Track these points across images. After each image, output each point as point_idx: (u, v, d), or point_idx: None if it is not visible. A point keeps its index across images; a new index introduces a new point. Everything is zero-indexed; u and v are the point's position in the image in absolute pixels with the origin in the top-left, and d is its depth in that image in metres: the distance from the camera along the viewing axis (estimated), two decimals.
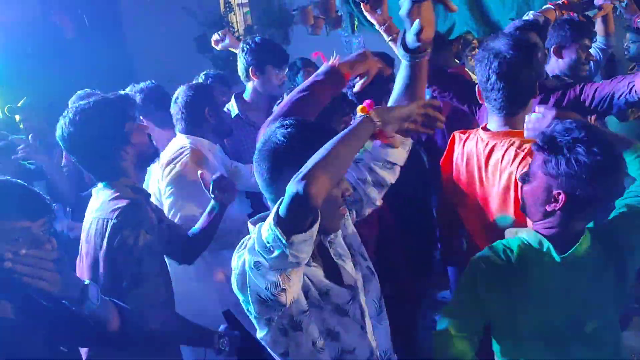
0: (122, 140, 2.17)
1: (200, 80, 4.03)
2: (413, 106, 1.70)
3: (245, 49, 3.33)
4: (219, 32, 3.95)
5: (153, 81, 3.51)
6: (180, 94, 2.97)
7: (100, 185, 2.25)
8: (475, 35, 4.73)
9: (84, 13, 8.23)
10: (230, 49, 3.91)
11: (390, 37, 2.68)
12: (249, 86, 3.39)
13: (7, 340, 1.52)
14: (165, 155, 2.90)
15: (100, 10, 8.37)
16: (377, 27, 2.69)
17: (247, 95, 3.42)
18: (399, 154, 1.87)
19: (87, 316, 1.67)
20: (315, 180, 1.35)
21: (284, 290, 1.47)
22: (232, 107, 3.43)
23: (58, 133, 2.14)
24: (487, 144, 2.31)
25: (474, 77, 4.74)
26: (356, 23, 5.79)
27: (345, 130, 1.53)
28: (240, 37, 7.73)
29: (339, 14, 5.50)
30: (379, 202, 1.90)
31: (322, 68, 2.16)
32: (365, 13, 2.64)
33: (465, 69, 4.30)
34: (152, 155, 2.35)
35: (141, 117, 3.17)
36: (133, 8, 8.29)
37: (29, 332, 1.60)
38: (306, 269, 1.65)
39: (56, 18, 8.00)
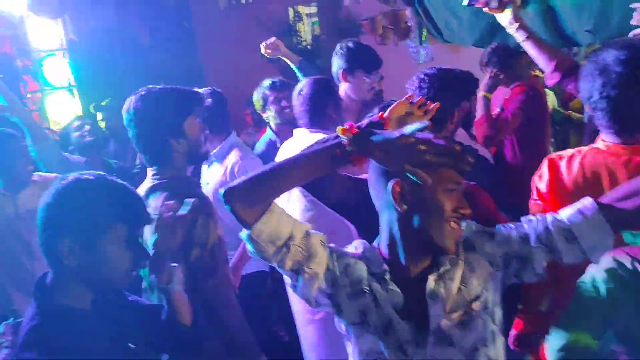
0: (178, 131, 2.24)
1: (266, 85, 4.08)
2: (399, 139, 1.41)
3: (338, 52, 3.37)
4: (268, 42, 3.99)
5: (213, 88, 3.61)
6: (304, 86, 2.99)
7: (149, 169, 2.32)
8: None
9: (159, 23, 8.57)
10: (281, 57, 3.96)
11: (524, 38, 2.63)
12: (341, 88, 3.43)
13: (79, 330, 1.59)
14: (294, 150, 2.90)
15: (174, 20, 8.70)
16: (507, 29, 2.66)
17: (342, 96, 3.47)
18: (591, 236, 1.53)
19: (164, 308, 1.74)
20: (239, 194, 1.39)
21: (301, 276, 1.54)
22: None
23: (125, 106, 2.22)
24: (624, 157, 2.12)
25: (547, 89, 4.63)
26: (425, 34, 5.73)
27: (309, 147, 1.49)
28: (308, 46, 7.81)
29: (408, 24, 5.46)
30: (540, 270, 1.61)
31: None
32: (497, 16, 2.61)
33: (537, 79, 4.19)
34: (202, 156, 2.41)
35: None
36: (204, 18, 8.56)
37: (101, 324, 1.66)
38: (380, 290, 1.58)
39: (134, 27, 8.37)
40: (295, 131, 3.08)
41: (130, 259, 1.65)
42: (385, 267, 1.61)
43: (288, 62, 4.02)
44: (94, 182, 1.61)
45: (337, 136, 1.47)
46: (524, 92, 4.22)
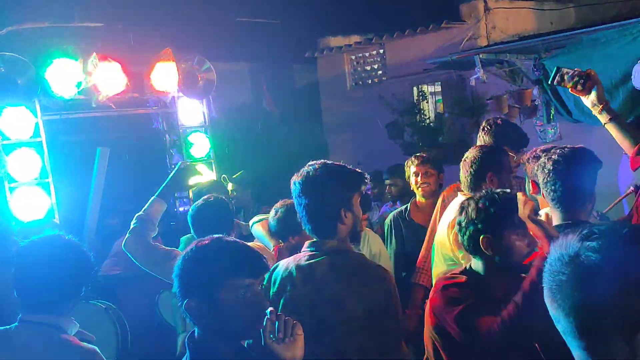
0: (347, 204, 2.33)
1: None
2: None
3: (485, 129, 3.42)
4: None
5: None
6: (470, 153, 3.08)
7: (307, 242, 2.40)
8: None
9: (290, 101, 9.16)
10: None
11: (607, 120, 2.59)
12: None
13: None
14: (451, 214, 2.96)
15: (303, 99, 9.26)
16: (593, 111, 2.61)
17: None
18: None
19: None
20: None
21: None
22: None
23: (302, 176, 2.36)
24: None
25: None
26: (552, 112, 5.60)
27: None
28: (431, 123, 7.90)
29: (535, 103, 5.38)
30: None
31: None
32: (582, 99, 2.60)
33: None
34: (360, 234, 2.48)
35: None
36: (331, 96, 9.02)
37: None
38: None
39: (266, 105, 9.00)
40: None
41: (253, 310, 1.73)
42: None
43: None
44: (207, 245, 1.75)
45: None
46: None
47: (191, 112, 5.46)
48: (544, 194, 2.43)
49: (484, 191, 2.26)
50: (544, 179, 2.42)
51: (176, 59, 4.91)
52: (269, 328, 1.71)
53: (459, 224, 2.22)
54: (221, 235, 1.81)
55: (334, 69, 8.99)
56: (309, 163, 2.41)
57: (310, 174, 2.34)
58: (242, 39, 8.00)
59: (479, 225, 2.13)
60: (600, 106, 2.58)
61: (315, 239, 2.37)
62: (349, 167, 2.40)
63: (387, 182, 5.04)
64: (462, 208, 2.24)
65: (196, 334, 1.78)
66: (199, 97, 5.30)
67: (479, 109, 7.20)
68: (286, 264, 2.37)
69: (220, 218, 3.24)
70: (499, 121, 3.43)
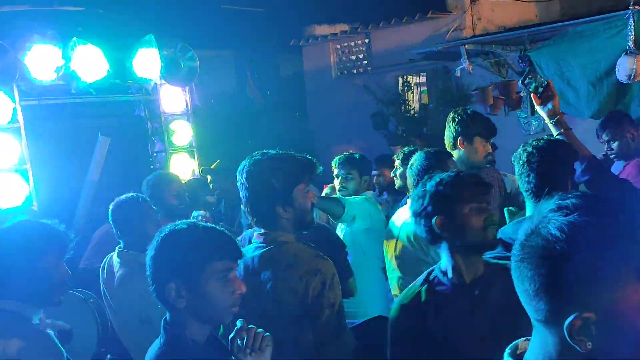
0: (286, 199, 2.26)
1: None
2: None
3: (456, 119, 3.44)
4: None
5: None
6: (415, 160, 3.08)
7: (256, 234, 2.38)
8: None
9: (274, 90, 9.09)
10: None
11: (558, 133, 2.66)
12: (454, 155, 3.47)
13: None
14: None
15: (288, 87, 9.20)
16: (546, 120, 2.68)
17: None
18: None
19: None
20: None
21: None
22: None
23: (240, 167, 2.32)
24: None
25: None
26: None
27: None
28: (415, 114, 7.89)
29: (520, 95, 5.38)
30: None
31: None
32: (537, 107, 2.65)
33: None
34: (309, 224, 2.40)
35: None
36: (316, 86, 8.96)
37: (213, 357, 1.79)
38: None
39: (251, 93, 8.92)
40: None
41: (230, 294, 1.75)
42: None
43: None
44: (185, 230, 1.74)
45: None
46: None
47: (173, 99, 5.38)
48: (519, 185, 2.45)
49: (426, 177, 2.19)
50: (518, 170, 2.43)
51: (159, 45, 4.82)
52: (238, 340, 1.75)
53: (414, 214, 2.14)
54: (195, 220, 1.82)
55: (319, 57, 8.93)
56: (253, 154, 2.33)
57: (247, 167, 2.28)
58: (226, 27, 7.90)
59: (429, 208, 2.04)
60: (555, 118, 2.65)
61: (262, 230, 2.34)
62: (295, 156, 2.31)
63: (374, 172, 5.03)
64: (413, 198, 2.17)
65: (169, 318, 1.77)
66: (181, 84, 5.23)
67: (463, 100, 7.21)
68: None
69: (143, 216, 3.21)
70: (468, 111, 3.46)
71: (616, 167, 4.42)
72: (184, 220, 1.81)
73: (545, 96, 2.61)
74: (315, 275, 2.18)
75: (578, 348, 0.92)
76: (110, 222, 3.24)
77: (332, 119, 8.46)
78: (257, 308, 2.20)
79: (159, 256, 1.73)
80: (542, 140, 2.46)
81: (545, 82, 2.63)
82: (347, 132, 8.10)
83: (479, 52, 6.46)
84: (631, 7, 4.17)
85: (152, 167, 5.45)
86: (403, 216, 3.05)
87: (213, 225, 1.83)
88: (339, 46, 8.88)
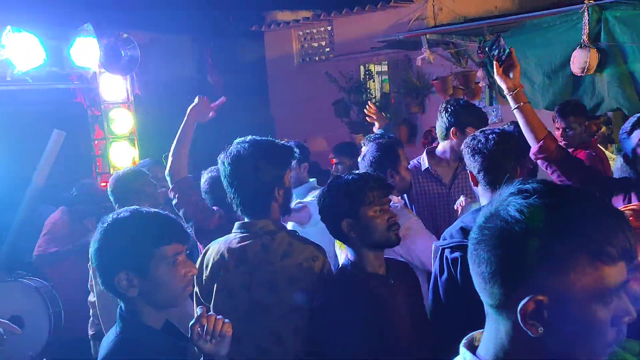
0: (280, 182, 2.28)
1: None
2: None
3: (448, 109, 3.46)
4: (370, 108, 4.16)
5: (299, 141, 3.70)
6: (368, 152, 3.11)
7: (238, 223, 2.36)
8: (626, 113, 4.46)
9: (236, 76, 8.97)
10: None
11: (516, 106, 2.57)
12: (445, 144, 3.50)
13: (153, 347, 1.71)
14: None
15: (249, 74, 9.09)
16: (505, 92, 2.60)
17: (439, 152, 3.54)
18: None
19: None
20: None
21: None
22: (422, 160, 3.56)
23: (231, 155, 2.27)
24: None
25: (608, 153, 4.47)
26: (494, 95, 5.72)
27: None
28: (377, 102, 7.93)
29: (479, 85, 5.47)
30: None
31: None
32: (496, 77, 2.59)
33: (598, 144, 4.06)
34: (289, 206, 2.43)
35: None
36: (278, 72, 8.90)
37: (169, 344, 1.78)
38: None
39: (210, 78, 8.79)
40: None
41: (182, 277, 1.73)
42: None
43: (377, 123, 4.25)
44: (129, 217, 1.71)
45: None
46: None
47: (114, 88, 5.33)
48: (471, 176, 2.47)
49: (332, 179, 2.27)
50: (468, 160, 2.46)
51: (98, 34, 4.76)
52: (198, 328, 1.72)
53: (322, 217, 2.22)
54: (138, 207, 1.78)
55: (281, 44, 8.87)
56: (236, 141, 2.32)
57: (241, 153, 2.25)
58: (186, 10, 7.74)
59: (336, 211, 2.15)
60: (515, 90, 2.55)
61: (245, 220, 2.32)
62: (278, 142, 2.34)
63: (334, 160, 5.06)
64: (319, 197, 2.23)
65: (124, 307, 1.75)
66: (122, 73, 5.18)
67: (424, 89, 7.28)
68: (217, 247, 2.31)
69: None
70: (460, 102, 3.48)
71: None
72: (126, 208, 1.76)
73: (507, 64, 2.56)
74: (314, 262, 2.22)
75: (530, 333, 0.92)
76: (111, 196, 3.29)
77: (294, 106, 8.43)
78: (247, 299, 2.19)
79: (106, 247, 1.68)
80: (487, 130, 2.49)
81: (508, 50, 2.55)
82: (309, 119, 8.09)
83: (439, 42, 6.52)
84: (585, 2, 4.26)
85: (92, 153, 5.45)
86: None
87: (157, 210, 1.81)
88: (301, 33, 8.82)
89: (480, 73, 5.25)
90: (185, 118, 3.04)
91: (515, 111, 2.59)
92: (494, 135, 2.46)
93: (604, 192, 2.36)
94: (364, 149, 3.63)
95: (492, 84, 5.28)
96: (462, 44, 6.36)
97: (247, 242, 2.25)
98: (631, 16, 4.20)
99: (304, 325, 2.18)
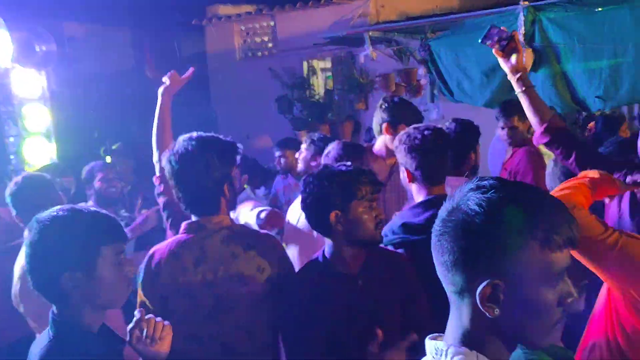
0: (228, 177, 2.26)
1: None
2: None
3: (382, 106, 3.48)
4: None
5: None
6: (332, 149, 3.14)
7: (184, 224, 2.30)
8: (558, 111, 4.61)
9: (174, 69, 8.75)
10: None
11: (520, 90, 2.51)
12: (380, 140, 3.51)
13: (88, 350, 1.65)
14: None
15: (189, 68, 8.88)
16: (509, 76, 2.53)
17: (376, 149, 3.57)
18: None
19: None
20: None
21: None
22: None
23: (178, 153, 2.22)
24: None
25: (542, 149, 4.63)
26: (435, 92, 5.80)
27: None
28: (320, 99, 7.92)
29: (421, 82, 5.54)
30: None
31: None
32: (500, 61, 2.52)
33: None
34: (235, 202, 2.42)
35: None
36: (220, 67, 8.74)
37: (106, 346, 1.74)
38: None
39: (149, 72, 8.54)
40: None
41: (125, 276, 1.71)
42: None
43: None
44: (70, 217, 1.65)
45: None
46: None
47: (28, 83, 5.11)
48: (407, 173, 2.49)
49: (322, 167, 2.26)
50: (403, 158, 2.47)
51: (10, 28, 4.55)
52: (137, 331, 1.70)
53: (307, 205, 2.18)
54: (75, 205, 1.72)
55: (223, 38, 8.72)
56: (181, 137, 2.27)
57: (189, 150, 2.21)
58: (124, 3, 7.49)
59: (325, 201, 2.10)
60: (519, 74, 2.51)
61: (193, 219, 2.27)
62: (222, 138, 2.30)
63: (277, 154, 5.05)
64: (304, 185, 2.20)
65: (59, 310, 1.68)
66: (37, 67, 4.98)
67: (367, 86, 7.32)
68: (167, 250, 2.22)
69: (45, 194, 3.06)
70: (395, 99, 3.52)
71: (503, 152, 4.68)
72: (61, 207, 1.68)
73: (509, 48, 2.54)
74: (275, 250, 2.28)
75: (487, 314, 1.04)
76: None
77: (236, 102, 8.31)
78: (211, 297, 2.16)
79: (46, 248, 1.60)
80: (420, 127, 2.51)
81: (510, 34, 2.52)
82: (252, 115, 7.99)
83: (382, 40, 6.56)
84: (521, 3, 4.37)
85: (6, 151, 5.19)
86: None
87: (95, 208, 1.77)
88: (243, 27, 8.70)
89: (421, 70, 5.31)
90: (159, 102, 3.00)
91: (519, 94, 2.53)
92: (429, 131, 2.49)
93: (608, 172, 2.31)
94: (303, 146, 3.62)
95: (433, 82, 5.36)
96: (404, 42, 6.42)
97: (204, 239, 2.21)
98: (563, 18, 4.33)
99: (269, 319, 2.19)
